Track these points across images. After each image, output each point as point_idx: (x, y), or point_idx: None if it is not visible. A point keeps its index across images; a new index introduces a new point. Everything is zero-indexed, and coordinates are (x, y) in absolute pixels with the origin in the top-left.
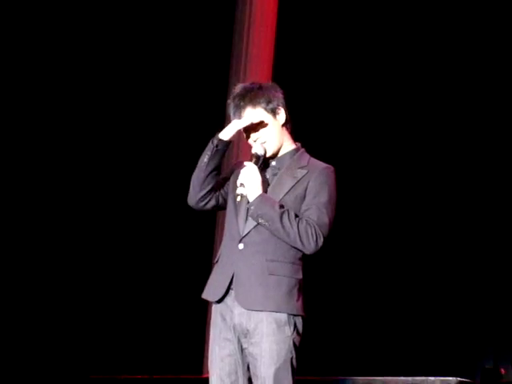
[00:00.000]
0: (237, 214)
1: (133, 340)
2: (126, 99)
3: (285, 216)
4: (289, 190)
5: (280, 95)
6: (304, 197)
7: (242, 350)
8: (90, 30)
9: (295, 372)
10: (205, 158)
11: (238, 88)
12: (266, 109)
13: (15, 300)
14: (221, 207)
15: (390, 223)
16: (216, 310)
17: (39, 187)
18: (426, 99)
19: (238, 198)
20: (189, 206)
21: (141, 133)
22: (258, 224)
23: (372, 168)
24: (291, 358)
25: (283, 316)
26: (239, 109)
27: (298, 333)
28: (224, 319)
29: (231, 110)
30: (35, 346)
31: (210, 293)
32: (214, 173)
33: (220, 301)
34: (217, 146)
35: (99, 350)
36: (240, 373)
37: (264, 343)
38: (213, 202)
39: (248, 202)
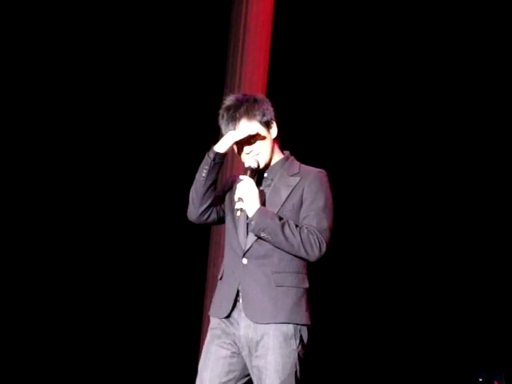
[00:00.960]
0: (236, 229)
1: (125, 354)
2: (120, 102)
3: (286, 227)
4: (285, 200)
5: (272, 109)
6: (301, 204)
7: (242, 359)
8: (84, 33)
9: (299, 380)
10: (203, 172)
11: (230, 99)
12: (260, 122)
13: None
14: (221, 220)
15: (386, 231)
16: (218, 324)
17: (34, 188)
18: (423, 100)
19: (238, 213)
20: (185, 218)
21: (134, 137)
22: (260, 238)
23: (372, 170)
24: (295, 372)
25: (290, 329)
26: (234, 120)
27: (303, 345)
28: (227, 327)
29: (224, 121)
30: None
31: (216, 310)
32: (213, 187)
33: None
34: (214, 159)
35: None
36: (232, 380)
37: (269, 356)
38: (214, 216)
39: (247, 217)
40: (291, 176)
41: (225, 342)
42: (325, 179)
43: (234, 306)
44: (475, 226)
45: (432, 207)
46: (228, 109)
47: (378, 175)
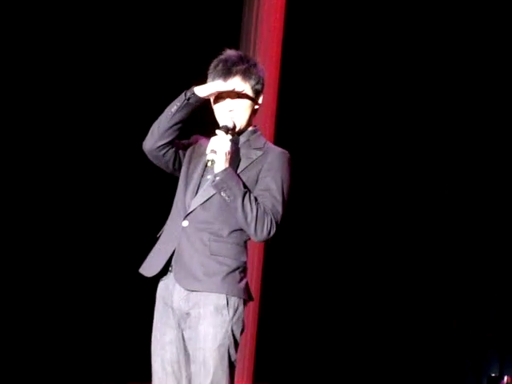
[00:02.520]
0: (186, 189)
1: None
2: (128, 97)
3: (247, 196)
4: (242, 170)
5: (264, 80)
6: (256, 180)
7: (183, 336)
8: (90, 31)
9: (233, 363)
10: (172, 107)
11: (232, 53)
12: (252, 87)
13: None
14: (173, 171)
15: (385, 229)
16: (159, 296)
17: (33, 187)
18: (426, 98)
19: (209, 164)
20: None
21: (137, 136)
22: (221, 197)
23: (370, 168)
24: (228, 345)
25: (222, 298)
26: (228, 74)
27: (238, 319)
28: (165, 304)
29: (216, 71)
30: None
31: (146, 267)
32: (178, 126)
33: (158, 278)
34: (188, 99)
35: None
36: (182, 361)
37: (200, 325)
38: (169, 157)
39: (203, 174)
40: (254, 149)
41: (165, 324)
42: (287, 161)
43: (167, 269)
44: (477, 223)
45: (432, 207)
46: (225, 60)
47: (378, 174)
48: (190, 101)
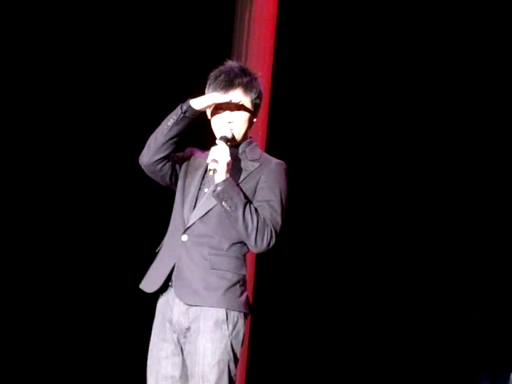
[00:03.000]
0: (183, 203)
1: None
2: (123, 99)
3: (248, 207)
4: (240, 182)
5: (262, 94)
6: (254, 191)
7: (182, 351)
8: (85, 31)
9: (233, 378)
10: (169, 121)
11: (233, 64)
12: (252, 100)
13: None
14: (170, 184)
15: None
16: (158, 311)
17: (31, 187)
18: (427, 99)
19: (211, 173)
20: None
21: (135, 135)
22: (222, 207)
23: (371, 168)
24: (228, 361)
25: (222, 313)
26: (230, 86)
27: (238, 333)
28: (164, 319)
29: (217, 82)
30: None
31: (146, 283)
32: (175, 139)
33: (158, 293)
34: (185, 112)
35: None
36: (177, 377)
37: (199, 341)
38: (166, 172)
39: (201, 187)
40: (251, 161)
41: (163, 340)
42: (284, 172)
43: (167, 284)
44: (477, 224)
45: (432, 208)
46: (228, 72)
47: (378, 171)
48: (187, 114)
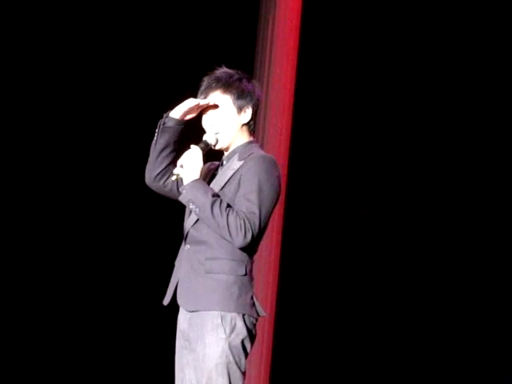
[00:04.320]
0: (186, 213)
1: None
2: (139, 100)
3: (216, 204)
4: (225, 183)
5: (256, 96)
6: (238, 189)
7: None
8: (97, 36)
9: (238, 381)
10: (155, 136)
11: (220, 70)
12: (233, 101)
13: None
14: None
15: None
16: (177, 320)
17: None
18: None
19: (173, 178)
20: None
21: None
22: (192, 210)
23: (372, 168)
24: (227, 363)
25: (217, 316)
26: (208, 89)
27: (237, 335)
28: (178, 328)
29: (201, 88)
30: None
31: (165, 296)
32: (167, 151)
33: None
34: (164, 123)
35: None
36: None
37: (198, 347)
38: (170, 185)
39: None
40: (239, 160)
41: (182, 347)
42: (265, 164)
43: (175, 294)
44: (484, 224)
45: (433, 207)
46: (211, 77)
47: (379, 171)
48: (168, 124)
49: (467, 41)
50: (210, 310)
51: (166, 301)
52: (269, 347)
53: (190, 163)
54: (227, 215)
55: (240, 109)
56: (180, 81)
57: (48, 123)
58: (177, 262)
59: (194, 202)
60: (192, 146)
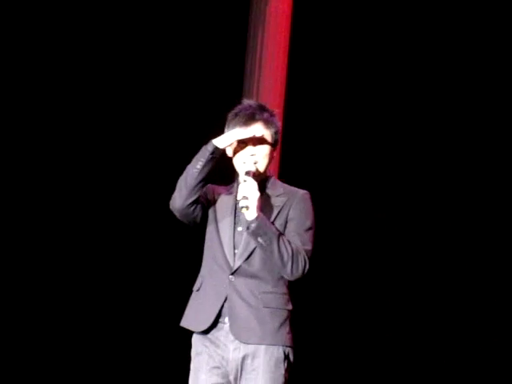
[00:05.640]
0: (220, 242)
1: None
2: (130, 103)
3: (281, 238)
4: (274, 220)
5: (279, 130)
6: (286, 224)
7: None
8: (94, 36)
9: None
10: (197, 164)
11: (251, 102)
12: (272, 135)
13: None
14: (199, 224)
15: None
16: (199, 341)
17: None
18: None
19: (243, 210)
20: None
21: (147, 143)
22: (258, 243)
23: (373, 170)
24: None
25: (280, 352)
26: (251, 120)
27: (289, 367)
28: (214, 350)
29: (237, 118)
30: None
31: (192, 321)
32: (204, 182)
33: (205, 332)
34: (212, 152)
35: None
36: None
37: (259, 380)
38: (197, 213)
39: (235, 226)
40: (277, 196)
41: (215, 367)
42: (309, 201)
43: (216, 323)
44: (482, 225)
45: (433, 207)
46: (246, 108)
47: (379, 173)
48: (214, 155)
49: (467, 41)
50: (272, 345)
51: (203, 327)
52: None
53: (253, 195)
54: (291, 250)
55: (275, 143)
56: (175, 79)
57: (48, 124)
58: (208, 290)
59: (263, 236)
60: (245, 178)
